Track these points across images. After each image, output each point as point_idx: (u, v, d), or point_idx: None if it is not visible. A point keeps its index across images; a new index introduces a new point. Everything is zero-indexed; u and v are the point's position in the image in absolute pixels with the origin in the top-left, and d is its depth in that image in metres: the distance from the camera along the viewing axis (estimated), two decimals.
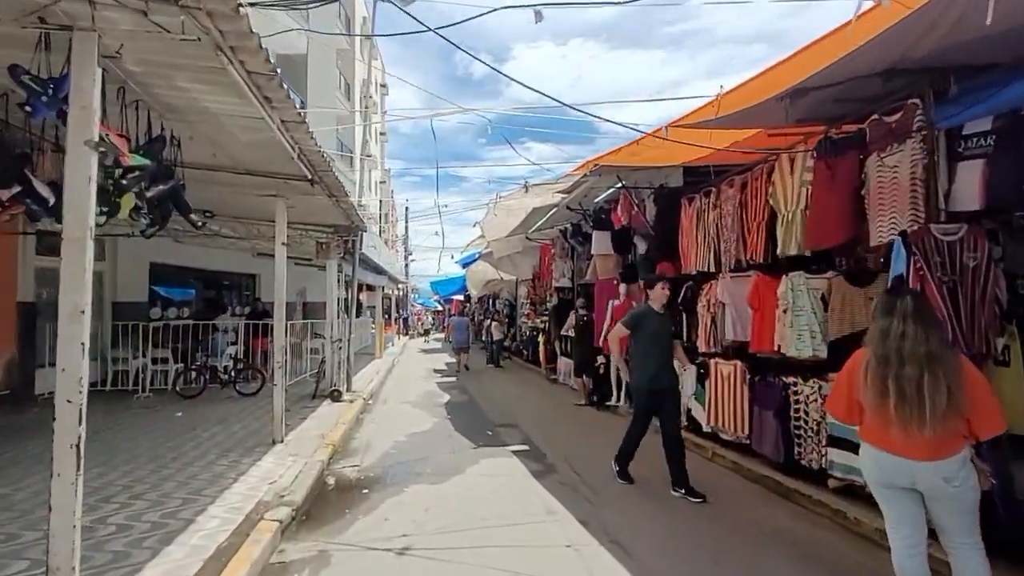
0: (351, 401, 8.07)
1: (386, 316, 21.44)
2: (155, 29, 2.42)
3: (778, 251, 4.56)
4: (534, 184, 7.97)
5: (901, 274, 3.20)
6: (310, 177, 5.17)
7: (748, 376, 4.90)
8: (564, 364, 10.51)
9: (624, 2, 3.44)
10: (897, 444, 2.22)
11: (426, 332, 34.63)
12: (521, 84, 3.63)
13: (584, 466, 5.07)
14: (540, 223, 9.73)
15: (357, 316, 13.04)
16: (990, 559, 2.22)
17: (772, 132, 4.28)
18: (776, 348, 4.45)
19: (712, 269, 5.75)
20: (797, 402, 4.31)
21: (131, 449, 5.13)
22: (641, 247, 7.61)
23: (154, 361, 8.56)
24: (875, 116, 3.69)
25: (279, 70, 3.28)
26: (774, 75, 3.38)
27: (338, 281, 9.37)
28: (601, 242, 8.17)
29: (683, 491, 4.11)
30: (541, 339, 12.55)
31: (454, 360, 14.52)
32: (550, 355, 11.55)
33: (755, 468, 4.64)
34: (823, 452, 4.02)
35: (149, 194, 3.49)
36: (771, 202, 4.77)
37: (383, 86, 30.37)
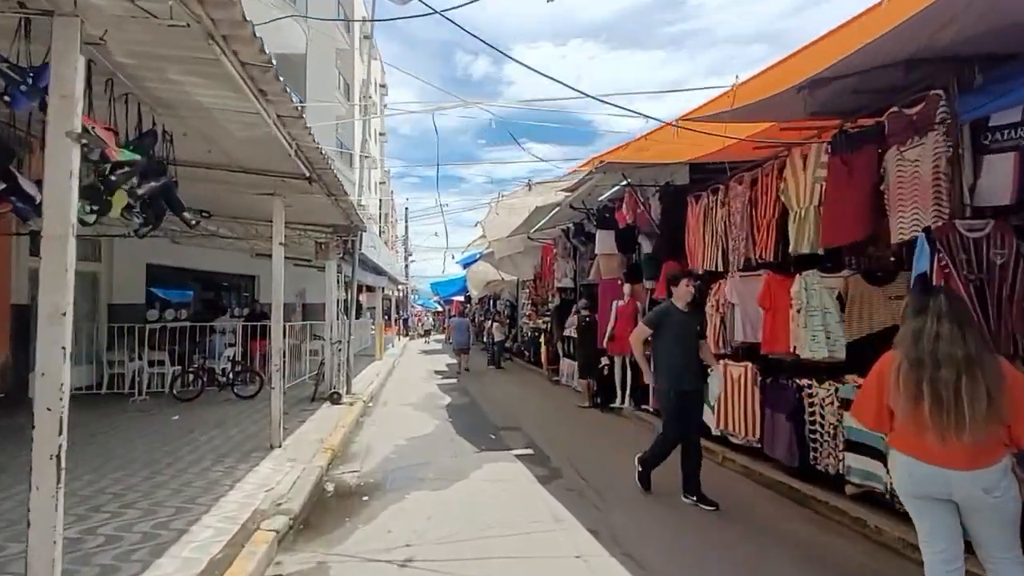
0: (351, 404, 7.93)
1: (386, 317, 21.30)
2: (141, 15, 2.29)
3: (790, 249, 4.42)
4: (537, 183, 7.83)
5: (925, 272, 3.06)
6: (308, 175, 5.04)
7: (759, 378, 4.76)
8: (567, 365, 10.37)
9: None
10: (932, 452, 2.08)
11: (426, 333, 34.49)
12: (529, 68, 3.48)
13: (590, 470, 4.93)
14: (542, 222, 9.60)
15: (357, 317, 12.91)
16: None
17: (785, 127, 4.14)
18: (791, 349, 4.31)
19: (720, 268, 5.62)
20: (812, 405, 4.17)
21: (125, 454, 4.99)
22: (646, 246, 7.48)
23: (151, 363, 8.43)
24: (894, 108, 3.55)
25: (275, 62, 3.15)
26: (791, 65, 3.24)
27: (337, 282, 9.24)
28: (605, 241, 8.05)
29: (695, 498, 3.97)
30: (543, 340, 12.41)
31: (455, 361, 14.39)
32: (552, 356, 11.42)
33: (767, 473, 4.50)
34: (840, 457, 3.88)
35: (140, 191, 3.35)
36: (782, 199, 4.64)
37: (382, 86, 30.26)
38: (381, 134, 31.04)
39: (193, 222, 4.35)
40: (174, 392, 7.93)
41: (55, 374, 2.06)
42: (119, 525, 3.36)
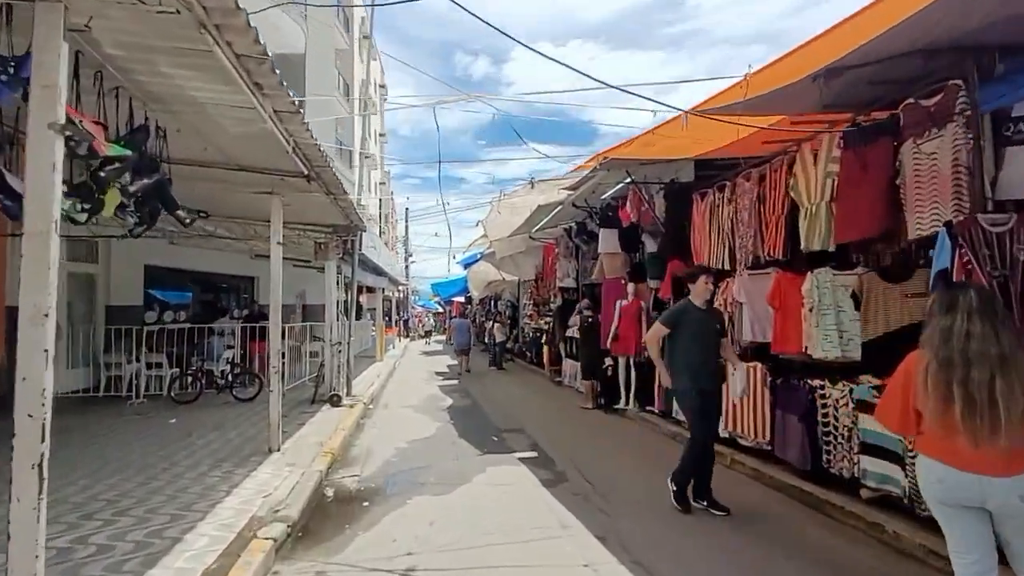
0: (351, 406, 7.82)
1: (386, 318, 21.20)
2: (128, 0, 2.18)
3: (802, 246, 4.31)
4: (540, 181, 7.72)
5: (946, 268, 2.95)
6: (306, 173, 4.93)
7: (769, 379, 4.64)
8: (569, 366, 10.26)
9: None
10: (965, 457, 1.97)
11: (427, 334, 34.35)
12: (539, 53, 3.36)
13: (596, 474, 4.81)
14: (544, 221, 9.49)
15: (357, 318, 12.81)
16: None
17: (795, 120, 4.02)
18: (803, 349, 4.19)
19: (727, 266, 5.51)
20: (825, 406, 4.06)
21: (121, 459, 4.88)
22: (650, 245, 7.38)
23: (148, 366, 8.32)
24: (910, 100, 3.44)
25: (271, 53, 3.04)
26: (806, 54, 3.12)
27: (337, 283, 9.13)
28: (608, 240, 7.94)
29: (705, 503, 3.85)
30: (544, 340, 12.30)
31: (456, 362, 14.28)
32: (554, 357, 11.30)
33: (778, 476, 4.38)
34: (855, 460, 3.76)
35: (132, 188, 3.24)
36: (792, 195, 4.53)
37: (382, 86, 30.17)
38: (381, 135, 30.94)
39: (187, 221, 4.24)
40: (172, 395, 7.83)
41: (37, 378, 1.95)
42: (112, 534, 3.25)
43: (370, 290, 17.65)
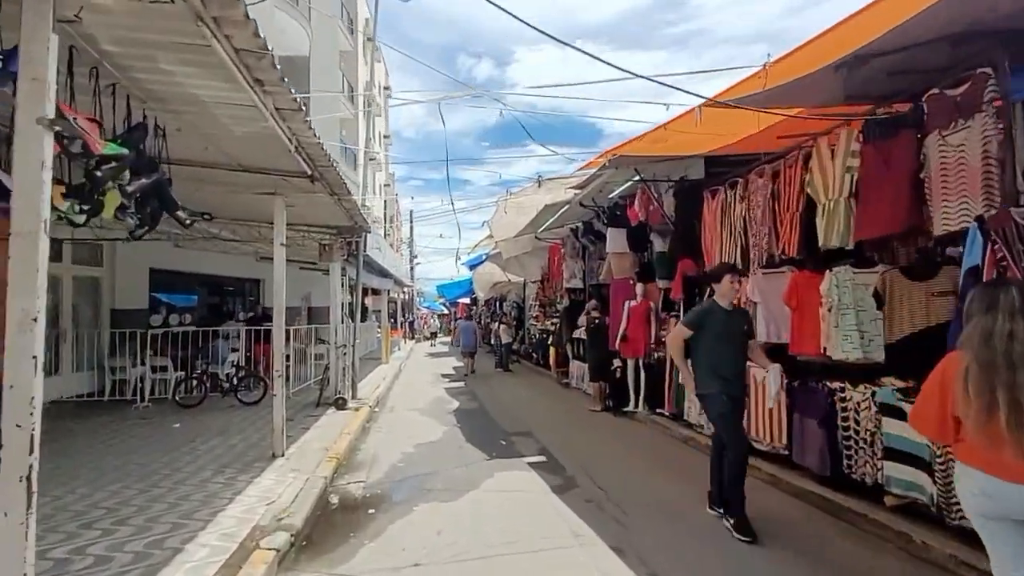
0: (356, 409, 7.72)
1: (392, 320, 21.13)
2: None
3: (820, 243, 4.17)
4: (547, 179, 7.61)
5: (977, 265, 2.81)
6: (310, 173, 4.84)
7: (786, 381, 4.49)
8: (577, 368, 10.13)
9: None
10: (1012, 468, 1.83)
11: (432, 335, 34.29)
12: (551, 37, 3.24)
13: (607, 479, 4.68)
14: (551, 221, 9.37)
15: (363, 320, 12.73)
16: None
17: (812, 113, 3.88)
18: (821, 350, 4.05)
19: (739, 265, 5.36)
20: (845, 410, 3.91)
21: (122, 466, 4.80)
22: (658, 244, 7.25)
23: (153, 369, 8.27)
24: (934, 90, 3.30)
25: (271, 47, 2.95)
26: (826, 42, 2.99)
27: (342, 284, 9.05)
28: (616, 240, 7.81)
29: (722, 511, 3.71)
30: (551, 342, 12.17)
31: (461, 364, 14.18)
32: (561, 358, 11.18)
33: (796, 482, 4.24)
34: (878, 466, 3.61)
35: (130, 188, 3.15)
36: (808, 191, 4.39)
37: (386, 88, 30.16)
38: (385, 136, 30.93)
39: (188, 222, 4.15)
40: (177, 399, 7.76)
41: (25, 387, 1.85)
42: (110, 544, 3.16)
43: (375, 292, 17.58)
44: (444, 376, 13.37)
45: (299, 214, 6.71)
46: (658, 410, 7.00)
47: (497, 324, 16.13)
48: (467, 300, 27.52)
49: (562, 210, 8.59)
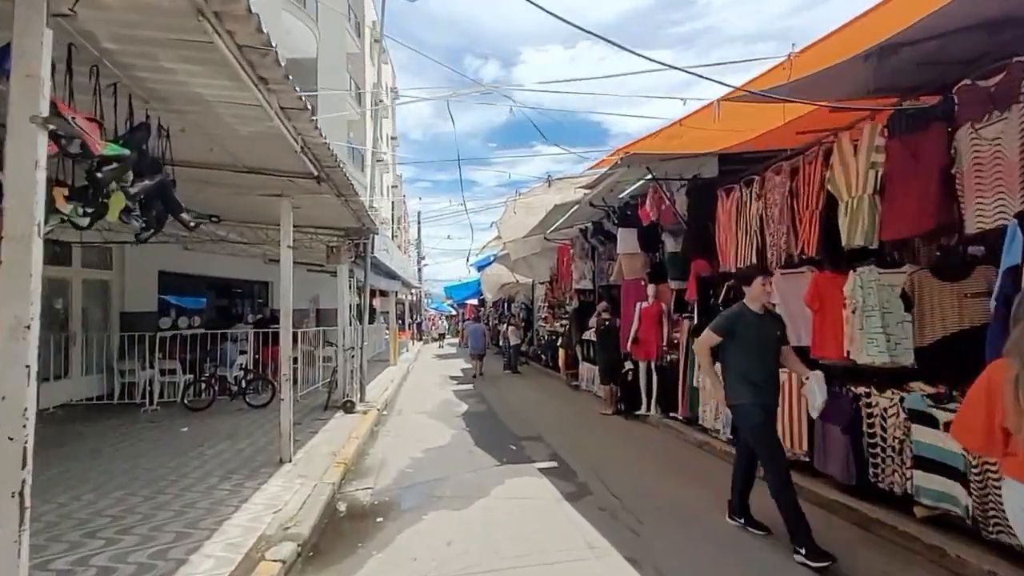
0: (364, 412, 7.65)
1: (400, 321, 21.09)
2: None
3: (843, 243, 4.01)
4: (557, 179, 7.49)
5: (1016, 265, 2.65)
6: (316, 174, 4.76)
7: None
8: (586, 370, 9.99)
9: None
10: None
11: (440, 337, 34.23)
12: (562, 20, 3.12)
13: (621, 486, 4.55)
14: (560, 221, 9.24)
15: (370, 322, 12.67)
16: None
17: (839, 105, 3.72)
18: (845, 354, 3.89)
19: (754, 265, 5.21)
20: (871, 416, 3.75)
21: (130, 471, 4.75)
22: (670, 244, 7.09)
23: (162, 372, 8.25)
24: (965, 81, 3.14)
25: (275, 44, 2.86)
26: (856, 30, 2.85)
27: (350, 286, 8.99)
28: (627, 240, 7.68)
29: (743, 521, 3.58)
30: (560, 344, 12.04)
31: (469, 366, 14.09)
32: (571, 361, 11.04)
33: (818, 490, 4.08)
34: (907, 475, 3.45)
35: (132, 190, 3.08)
36: (829, 188, 4.23)
37: (393, 89, 30.18)
38: (393, 138, 30.95)
39: (192, 224, 4.08)
40: (185, 402, 7.73)
41: (17, 397, 1.77)
42: (114, 554, 3.09)
43: (383, 293, 17.54)
44: (452, 378, 13.28)
45: (306, 216, 6.65)
46: (671, 414, 6.85)
47: (505, 326, 16.02)
48: (475, 301, 27.44)
49: (572, 210, 8.47)
